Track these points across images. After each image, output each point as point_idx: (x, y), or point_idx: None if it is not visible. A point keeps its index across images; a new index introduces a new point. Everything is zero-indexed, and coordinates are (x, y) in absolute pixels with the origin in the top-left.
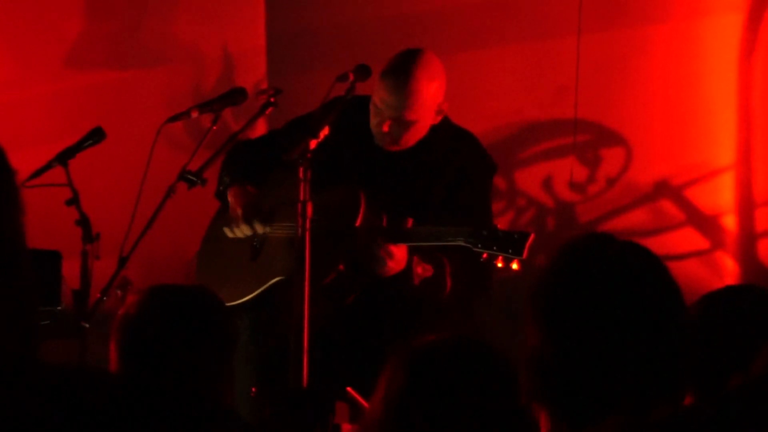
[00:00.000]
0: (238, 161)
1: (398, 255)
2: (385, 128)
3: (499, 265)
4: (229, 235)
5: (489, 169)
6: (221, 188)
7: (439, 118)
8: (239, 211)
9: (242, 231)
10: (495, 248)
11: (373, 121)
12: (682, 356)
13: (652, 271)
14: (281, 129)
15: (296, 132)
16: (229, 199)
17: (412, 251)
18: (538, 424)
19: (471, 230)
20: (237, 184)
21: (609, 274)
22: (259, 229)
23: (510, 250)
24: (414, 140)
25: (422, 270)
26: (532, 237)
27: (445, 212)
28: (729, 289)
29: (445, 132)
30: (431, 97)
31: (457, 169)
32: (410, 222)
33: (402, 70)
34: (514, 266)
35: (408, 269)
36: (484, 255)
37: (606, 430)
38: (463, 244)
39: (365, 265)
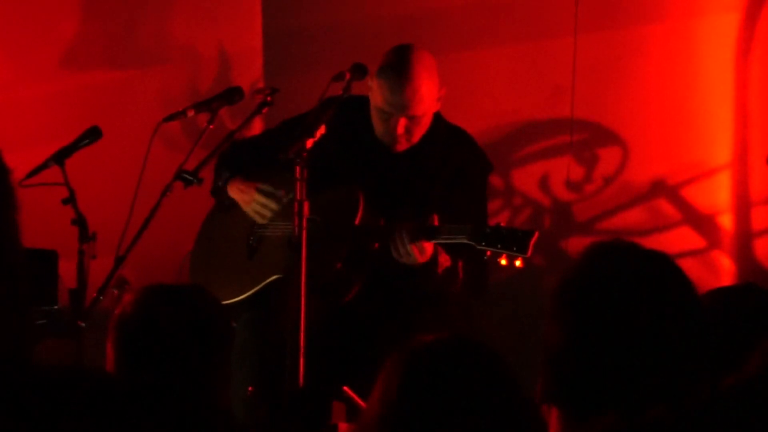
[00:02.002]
0: (234, 158)
1: (428, 248)
2: (400, 129)
3: (503, 262)
4: (260, 220)
5: (485, 169)
6: (220, 183)
7: (440, 105)
8: (255, 188)
9: (267, 206)
10: (499, 246)
11: (381, 127)
12: (697, 360)
13: (675, 280)
14: (275, 128)
15: (292, 131)
16: (235, 191)
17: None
18: (544, 423)
19: (475, 227)
20: (239, 176)
21: (634, 279)
22: (284, 196)
23: (514, 248)
24: (421, 134)
25: (444, 260)
26: (536, 235)
27: (441, 210)
28: (728, 288)
29: (441, 131)
30: (432, 88)
31: (453, 169)
32: (436, 219)
33: (401, 68)
34: (518, 263)
35: (434, 259)
36: (488, 252)
37: (602, 428)
38: (466, 241)
39: (397, 259)
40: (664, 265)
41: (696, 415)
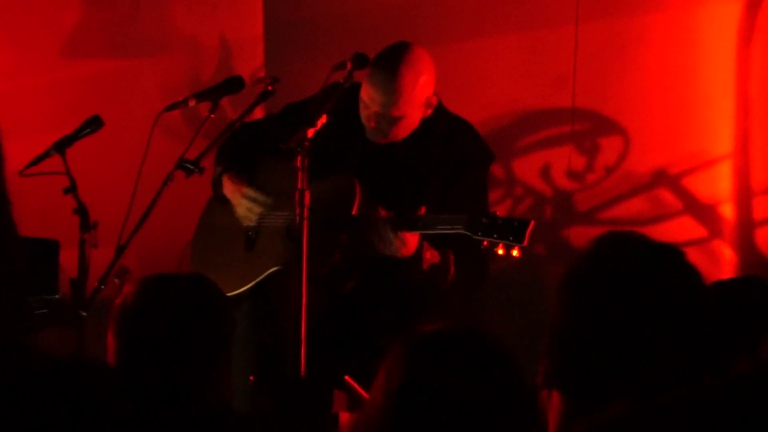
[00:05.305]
0: (231, 150)
1: (410, 241)
2: (372, 123)
3: (500, 252)
4: (246, 223)
5: (486, 158)
6: (215, 178)
7: (429, 111)
8: (240, 193)
9: (252, 210)
10: (495, 236)
11: (362, 114)
12: (699, 344)
13: (681, 269)
14: (278, 114)
15: (293, 119)
16: (227, 189)
17: (422, 237)
18: (542, 412)
19: (471, 217)
20: (231, 172)
21: (640, 266)
22: (268, 200)
23: (511, 237)
24: (404, 134)
25: (431, 255)
26: (532, 224)
27: (442, 201)
28: (731, 280)
29: (442, 121)
30: (418, 93)
31: (454, 159)
32: (423, 210)
33: (388, 66)
34: (515, 253)
35: (418, 254)
36: (485, 242)
37: (615, 412)
38: (462, 231)
39: (376, 249)
40: (671, 254)
41: (709, 398)
